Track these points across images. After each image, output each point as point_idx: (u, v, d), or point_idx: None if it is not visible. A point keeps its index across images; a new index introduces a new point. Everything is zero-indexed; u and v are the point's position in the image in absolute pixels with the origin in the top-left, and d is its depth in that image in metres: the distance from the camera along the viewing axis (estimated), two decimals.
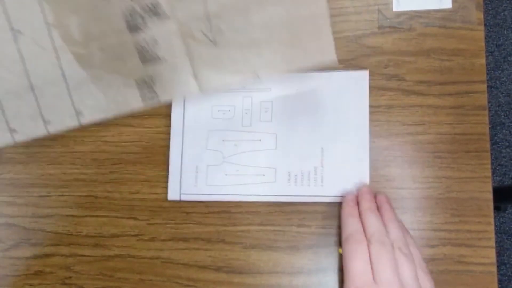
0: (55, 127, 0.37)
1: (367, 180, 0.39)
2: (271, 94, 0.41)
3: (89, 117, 0.37)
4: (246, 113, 0.41)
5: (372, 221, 0.35)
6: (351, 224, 0.36)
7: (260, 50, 0.34)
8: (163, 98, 0.36)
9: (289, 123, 0.40)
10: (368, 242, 0.34)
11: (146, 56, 0.34)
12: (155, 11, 0.33)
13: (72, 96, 0.36)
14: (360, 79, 0.40)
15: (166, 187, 0.42)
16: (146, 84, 0.35)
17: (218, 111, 0.41)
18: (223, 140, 0.41)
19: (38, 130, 0.37)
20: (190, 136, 0.42)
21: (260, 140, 0.40)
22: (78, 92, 0.36)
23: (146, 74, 0.35)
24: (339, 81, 0.40)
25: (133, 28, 0.33)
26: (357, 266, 0.33)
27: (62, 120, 0.37)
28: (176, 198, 0.41)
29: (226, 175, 0.41)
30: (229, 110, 0.41)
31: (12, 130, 0.37)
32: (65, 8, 0.34)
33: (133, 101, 0.36)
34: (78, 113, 0.37)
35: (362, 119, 0.39)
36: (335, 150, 0.39)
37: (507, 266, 1.01)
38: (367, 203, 0.37)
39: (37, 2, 0.34)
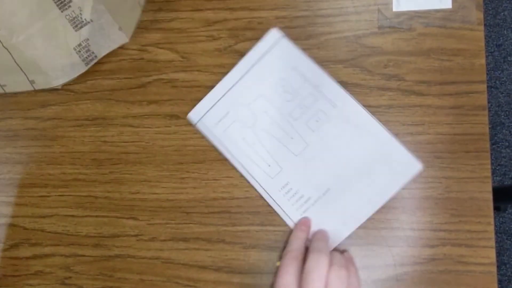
0: (11, 89, 0.43)
1: (338, 241, 0.39)
2: (333, 110, 0.40)
3: (42, 86, 0.43)
4: (301, 108, 0.40)
5: (318, 250, 0.35)
6: (295, 244, 0.37)
7: None
8: (100, 54, 0.42)
9: (325, 146, 0.39)
10: (308, 253, 0.35)
11: (78, 24, 0.41)
12: None
13: (26, 74, 0.42)
14: (409, 167, 0.38)
15: (166, 187, 0.42)
16: (83, 48, 0.41)
17: (282, 86, 0.41)
18: (265, 111, 0.41)
19: None
20: (244, 84, 0.41)
21: (292, 138, 0.40)
22: (29, 71, 0.42)
23: (81, 38, 0.41)
24: (393, 151, 0.38)
25: (61, 6, 0.41)
26: (287, 279, 0.34)
27: (18, 85, 0.43)
28: (194, 120, 0.42)
29: (243, 138, 0.41)
30: (290, 93, 0.40)
31: None
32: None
33: (78, 67, 0.42)
34: (31, 82, 0.42)
35: (384, 196, 0.38)
36: (337, 201, 0.39)
37: (507, 266, 1.01)
38: (319, 243, 0.36)
39: None
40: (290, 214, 0.39)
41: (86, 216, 0.43)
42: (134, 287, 0.41)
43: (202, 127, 0.41)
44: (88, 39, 0.42)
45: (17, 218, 0.44)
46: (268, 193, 0.40)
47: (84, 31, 0.42)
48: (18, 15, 0.41)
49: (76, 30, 0.41)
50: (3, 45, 0.40)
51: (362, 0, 0.41)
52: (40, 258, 0.43)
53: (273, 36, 0.41)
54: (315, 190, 0.39)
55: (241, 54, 0.42)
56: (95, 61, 0.43)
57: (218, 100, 0.41)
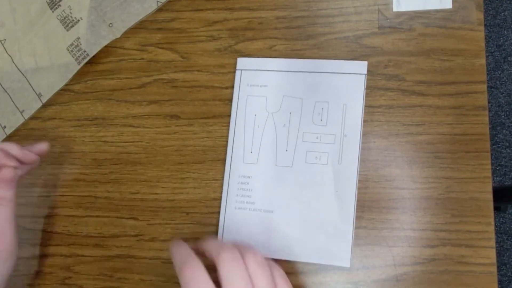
0: (28, 113, 0.44)
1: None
2: (336, 165, 0.39)
3: (47, 96, 0.44)
4: (317, 137, 0.40)
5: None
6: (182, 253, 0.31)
7: None
8: (91, 52, 0.43)
9: (302, 181, 0.39)
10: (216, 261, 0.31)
11: (68, 23, 0.43)
12: None
13: (32, 85, 0.44)
14: (337, 259, 0.38)
15: (166, 187, 0.42)
16: (75, 47, 0.43)
17: (322, 107, 0.40)
18: (290, 112, 0.40)
19: (19, 120, 0.45)
20: (302, 78, 0.41)
21: (286, 151, 0.40)
22: (34, 79, 0.44)
23: (72, 38, 0.43)
24: (340, 238, 0.38)
25: (52, 5, 0.43)
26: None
27: (31, 105, 0.44)
28: (238, 66, 0.42)
29: (255, 114, 0.41)
30: (321, 119, 0.40)
31: (3, 127, 0.45)
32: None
33: (72, 67, 0.43)
34: (39, 96, 0.44)
35: (297, 257, 0.39)
36: (268, 224, 0.39)
37: (507, 266, 1.01)
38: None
39: None
40: (229, 199, 0.40)
41: (86, 216, 0.43)
42: (134, 287, 0.41)
43: (238, 75, 0.42)
44: (79, 37, 0.42)
45: (17, 218, 0.44)
46: (229, 172, 0.41)
47: (75, 30, 0.42)
48: (22, 18, 0.43)
49: (67, 30, 0.42)
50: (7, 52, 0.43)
51: (362, 0, 0.41)
52: (40, 258, 0.43)
53: (360, 66, 0.40)
54: (262, 202, 0.40)
55: (241, 54, 0.42)
56: (87, 59, 0.43)
57: (271, 71, 0.41)
